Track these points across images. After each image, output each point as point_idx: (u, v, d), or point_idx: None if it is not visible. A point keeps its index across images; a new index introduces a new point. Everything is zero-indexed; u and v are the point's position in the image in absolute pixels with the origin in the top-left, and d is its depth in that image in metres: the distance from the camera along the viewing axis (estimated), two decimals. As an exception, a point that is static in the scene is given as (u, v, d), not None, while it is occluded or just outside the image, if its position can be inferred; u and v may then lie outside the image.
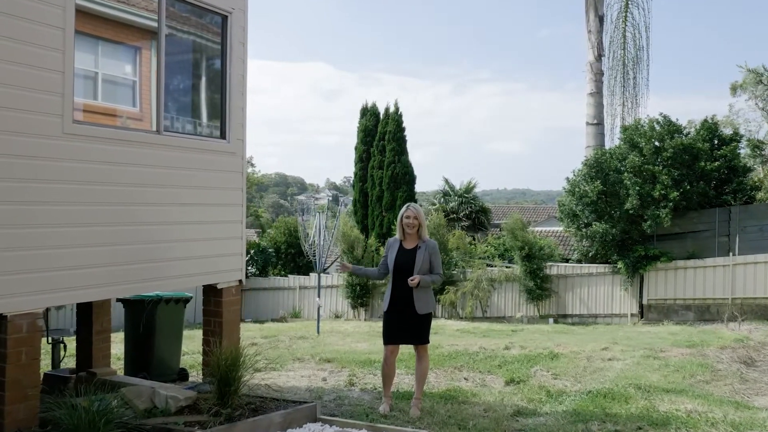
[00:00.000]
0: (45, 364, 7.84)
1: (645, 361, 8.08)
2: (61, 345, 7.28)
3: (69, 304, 9.30)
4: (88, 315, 6.57)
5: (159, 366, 7.22)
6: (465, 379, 7.09)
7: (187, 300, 7.52)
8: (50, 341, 7.13)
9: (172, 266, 5.34)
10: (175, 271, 5.36)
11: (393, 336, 5.48)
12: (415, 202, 18.52)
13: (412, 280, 5.30)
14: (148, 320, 7.20)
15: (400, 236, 5.57)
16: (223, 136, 5.74)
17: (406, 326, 5.43)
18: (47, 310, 14.03)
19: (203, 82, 6.05)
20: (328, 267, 27.82)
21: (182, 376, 7.46)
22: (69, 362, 7.29)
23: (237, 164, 5.86)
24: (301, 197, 13.60)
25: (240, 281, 5.94)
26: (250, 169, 27.20)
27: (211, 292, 5.77)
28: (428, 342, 5.61)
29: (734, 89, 36.70)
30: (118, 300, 7.51)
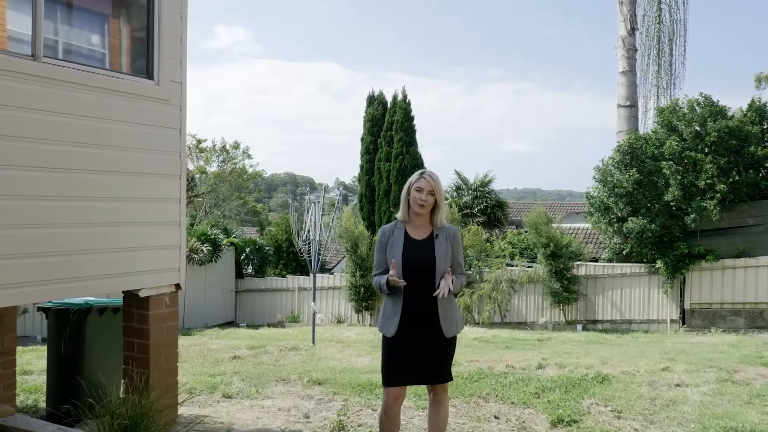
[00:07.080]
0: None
1: (725, 388, 6.23)
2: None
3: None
4: (-19, 331, 4.84)
5: (91, 395, 5.50)
6: (495, 417, 5.26)
7: (129, 309, 5.77)
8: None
9: (69, 263, 3.57)
10: (73, 272, 3.58)
11: (403, 374, 3.55)
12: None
13: (439, 293, 3.42)
14: (75, 335, 5.46)
15: (403, 217, 3.62)
16: (149, 75, 3.94)
17: (424, 358, 3.55)
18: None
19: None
20: (333, 267, 26.13)
21: (124, 407, 5.73)
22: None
23: (172, 117, 4.06)
24: (310, 196, 11.87)
25: (177, 286, 4.15)
26: (248, 161, 25.21)
27: (132, 301, 3.98)
28: (452, 378, 3.77)
29: (759, 81, 34.62)
30: (39, 309, 5.85)
